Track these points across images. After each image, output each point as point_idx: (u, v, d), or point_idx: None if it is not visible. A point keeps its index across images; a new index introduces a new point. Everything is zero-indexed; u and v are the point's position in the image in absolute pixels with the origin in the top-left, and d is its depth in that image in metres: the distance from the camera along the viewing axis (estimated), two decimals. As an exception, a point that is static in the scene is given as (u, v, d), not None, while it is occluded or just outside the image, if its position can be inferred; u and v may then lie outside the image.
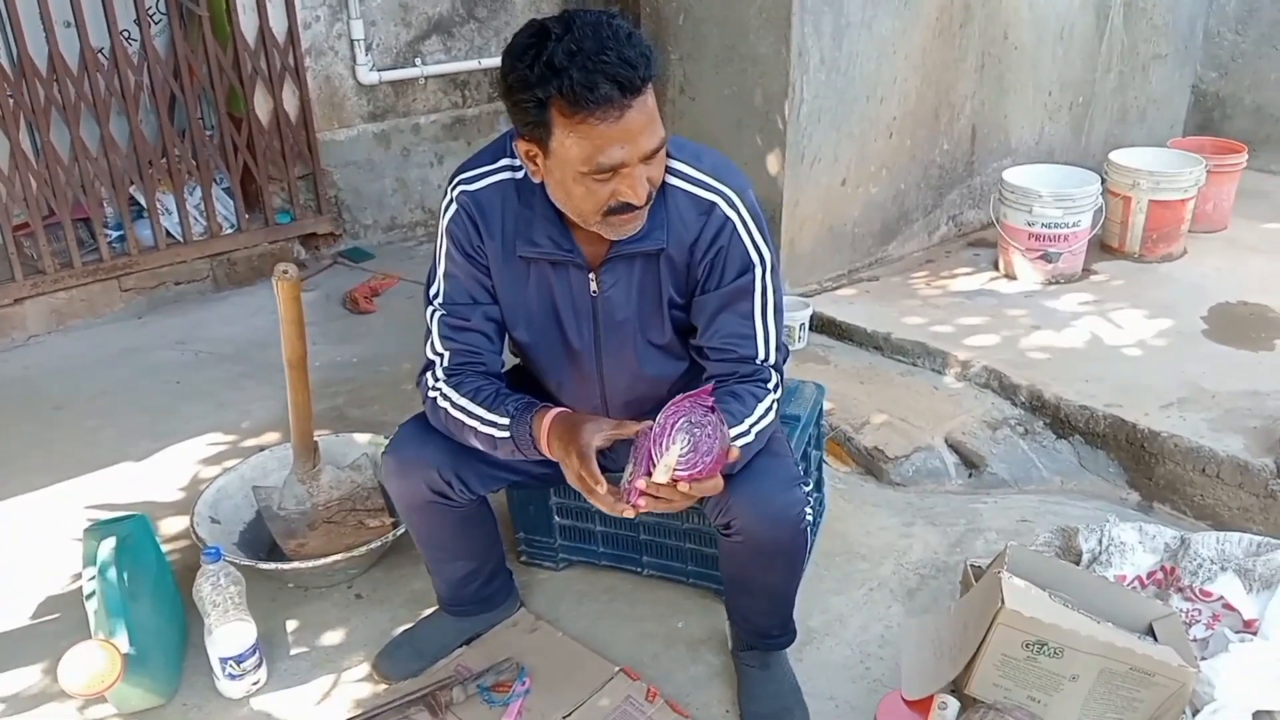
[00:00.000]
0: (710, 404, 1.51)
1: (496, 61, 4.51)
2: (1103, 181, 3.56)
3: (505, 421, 1.68)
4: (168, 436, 2.87)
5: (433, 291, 1.78)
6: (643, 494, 1.51)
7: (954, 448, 2.72)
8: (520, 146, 1.55)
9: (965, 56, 3.56)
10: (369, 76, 3.97)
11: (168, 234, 3.66)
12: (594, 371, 1.81)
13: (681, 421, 1.50)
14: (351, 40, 3.90)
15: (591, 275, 1.69)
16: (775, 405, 1.71)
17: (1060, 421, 2.75)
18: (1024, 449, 2.74)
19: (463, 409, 1.71)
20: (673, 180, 1.64)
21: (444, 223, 1.72)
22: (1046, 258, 3.43)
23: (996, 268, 3.60)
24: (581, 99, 1.39)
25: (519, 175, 1.65)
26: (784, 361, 1.80)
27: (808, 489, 1.77)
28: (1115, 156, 3.69)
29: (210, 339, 3.47)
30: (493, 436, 1.69)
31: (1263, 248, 3.74)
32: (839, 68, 3.17)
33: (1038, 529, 2.40)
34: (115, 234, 3.60)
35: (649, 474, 1.50)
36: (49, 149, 3.34)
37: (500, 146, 1.69)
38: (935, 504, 2.57)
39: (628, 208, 1.52)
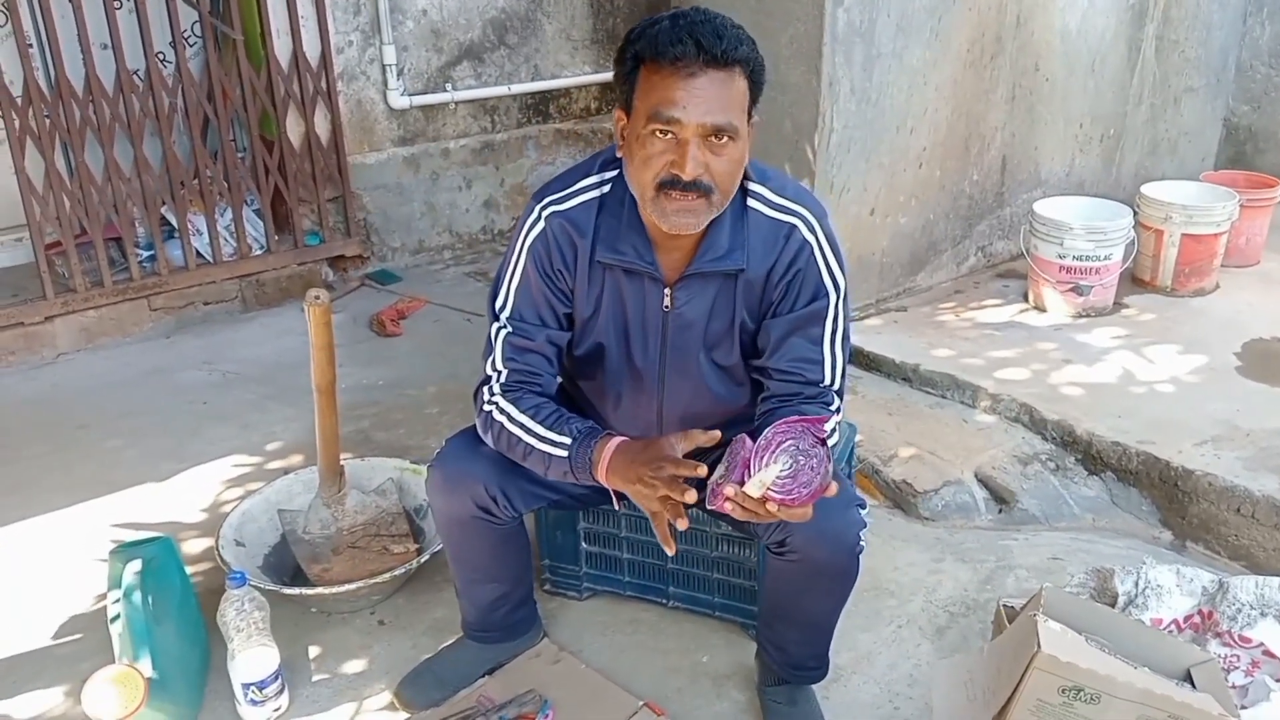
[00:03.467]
0: (822, 436, 1.49)
1: (526, 87, 4.56)
2: (1134, 214, 3.53)
3: (567, 442, 1.67)
4: (193, 458, 2.87)
5: (499, 304, 1.78)
6: (728, 499, 1.49)
7: (984, 482, 2.68)
8: (615, 118, 1.66)
9: (996, 88, 3.54)
10: (400, 101, 4.00)
11: (198, 254, 3.68)
12: (655, 388, 1.81)
13: (789, 444, 1.47)
14: (384, 65, 3.93)
15: (667, 290, 1.71)
16: (836, 428, 1.71)
17: (1092, 458, 2.71)
18: (1055, 485, 2.70)
19: (521, 425, 1.70)
20: (754, 204, 1.69)
21: (527, 239, 1.73)
22: (1077, 290, 3.39)
23: (1026, 300, 3.57)
24: (663, 49, 1.51)
25: (606, 190, 1.70)
26: (845, 386, 1.80)
27: (864, 512, 1.75)
28: (1147, 189, 3.65)
29: (237, 360, 3.48)
30: (549, 455, 1.68)
31: (1297, 283, 3.69)
32: (869, 98, 3.16)
33: (1069, 567, 2.36)
34: (146, 254, 3.62)
35: (741, 482, 1.47)
36: (83, 169, 3.38)
37: (583, 169, 1.74)
38: (965, 540, 2.53)
39: (675, 181, 1.54)
